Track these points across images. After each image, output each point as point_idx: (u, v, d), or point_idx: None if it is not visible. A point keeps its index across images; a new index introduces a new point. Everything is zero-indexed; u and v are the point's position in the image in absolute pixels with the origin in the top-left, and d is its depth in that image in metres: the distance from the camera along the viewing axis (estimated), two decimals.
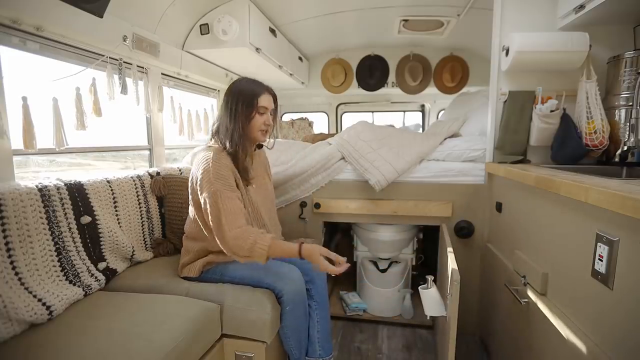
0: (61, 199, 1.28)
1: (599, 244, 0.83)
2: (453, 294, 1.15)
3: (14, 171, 1.26)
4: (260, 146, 1.63)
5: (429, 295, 1.35)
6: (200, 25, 2.12)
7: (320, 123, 3.98)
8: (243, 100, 1.37)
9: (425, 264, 2.47)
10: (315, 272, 1.52)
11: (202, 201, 1.29)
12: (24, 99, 1.26)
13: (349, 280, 2.47)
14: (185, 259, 1.48)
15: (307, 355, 1.49)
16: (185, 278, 1.46)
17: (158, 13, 1.85)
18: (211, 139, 1.44)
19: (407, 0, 2.34)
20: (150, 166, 2.06)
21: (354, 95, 3.64)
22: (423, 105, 3.87)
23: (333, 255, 1.28)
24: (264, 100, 1.40)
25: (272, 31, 2.50)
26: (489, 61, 1.78)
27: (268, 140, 1.55)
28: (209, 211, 1.26)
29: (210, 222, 1.27)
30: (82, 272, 1.31)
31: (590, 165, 1.58)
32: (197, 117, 2.40)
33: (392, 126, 3.24)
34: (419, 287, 1.39)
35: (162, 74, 2.05)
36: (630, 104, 1.45)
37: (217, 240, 1.26)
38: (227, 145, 1.36)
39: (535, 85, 1.65)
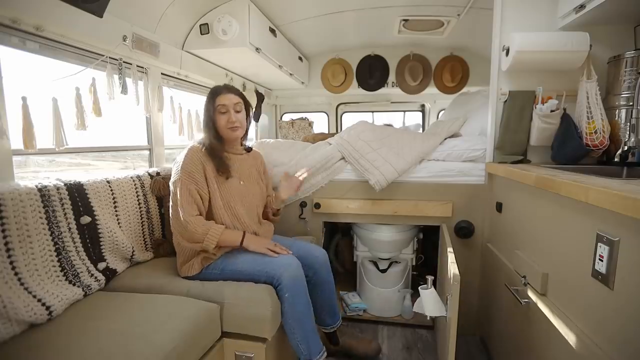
0: (61, 199, 1.28)
1: (599, 244, 0.83)
2: (453, 294, 1.15)
3: (13, 171, 1.25)
4: (249, 149, 1.76)
5: (429, 296, 1.35)
6: (200, 25, 2.12)
7: (320, 123, 3.98)
8: (207, 102, 1.56)
9: (425, 264, 2.47)
10: (318, 265, 1.58)
11: (170, 188, 1.47)
12: (24, 99, 1.26)
13: (349, 280, 2.47)
14: (181, 259, 1.49)
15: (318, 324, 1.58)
16: (186, 277, 1.46)
17: (158, 13, 1.85)
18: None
19: (407, 0, 2.33)
20: (150, 166, 2.06)
21: (354, 95, 3.64)
22: (423, 105, 3.87)
23: (275, 248, 1.47)
24: (222, 99, 1.53)
25: (272, 31, 2.50)
26: (489, 61, 1.78)
27: (254, 140, 1.65)
28: (171, 197, 1.45)
29: (170, 208, 1.45)
30: (81, 272, 1.31)
31: (590, 165, 1.58)
32: (197, 117, 2.40)
33: (390, 125, 3.25)
34: (419, 287, 1.39)
35: (162, 74, 2.05)
36: (631, 104, 1.45)
37: (172, 223, 1.44)
38: (205, 141, 1.53)
39: (536, 85, 1.65)
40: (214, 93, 1.55)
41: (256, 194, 1.65)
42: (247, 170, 1.65)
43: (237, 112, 1.55)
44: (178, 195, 1.41)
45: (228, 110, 1.53)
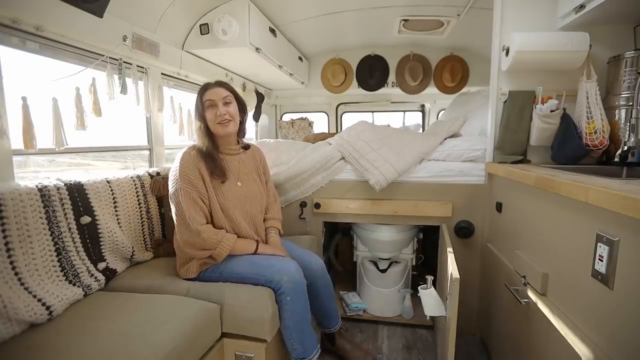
0: (61, 199, 1.28)
1: (599, 244, 0.83)
2: (453, 294, 1.15)
3: (13, 171, 1.26)
4: (247, 146, 1.68)
5: (429, 296, 1.35)
6: (200, 25, 2.12)
7: (320, 123, 3.98)
8: (197, 99, 1.51)
9: (425, 264, 2.47)
10: (314, 276, 1.55)
11: (172, 199, 1.42)
12: (24, 99, 1.26)
13: (349, 280, 2.47)
14: (180, 261, 1.49)
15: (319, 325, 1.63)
16: (185, 279, 1.46)
17: (158, 13, 1.85)
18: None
19: (407, 0, 2.33)
20: (150, 166, 2.06)
21: (354, 95, 3.65)
22: (423, 105, 3.87)
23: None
24: (210, 94, 1.48)
25: (272, 31, 2.50)
26: (489, 61, 1.78)
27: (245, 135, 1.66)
28: (173, 207, 1.41)
29: (175, 217, 1.41)
30: (81, 272, 1.31)
31: (590, 165, 1.58)
32: None
33: (389, 126, 3.25)
34: (418, 287, 1.39)
35: (162, 73, 2.05)
36: (631, 104, 1.45)
37: (179, 234, 1.39)
38: (198, 141, 1.49)
39: (536, 85, 1.65)
40: (203, 89, 1.50)
41: (255, 196, 1.59)
42: (244, 170, 1.59)
43: (226, 105, 1.48)
44: (183, 206, 1.36)
45: (216, 104, 1.46)
